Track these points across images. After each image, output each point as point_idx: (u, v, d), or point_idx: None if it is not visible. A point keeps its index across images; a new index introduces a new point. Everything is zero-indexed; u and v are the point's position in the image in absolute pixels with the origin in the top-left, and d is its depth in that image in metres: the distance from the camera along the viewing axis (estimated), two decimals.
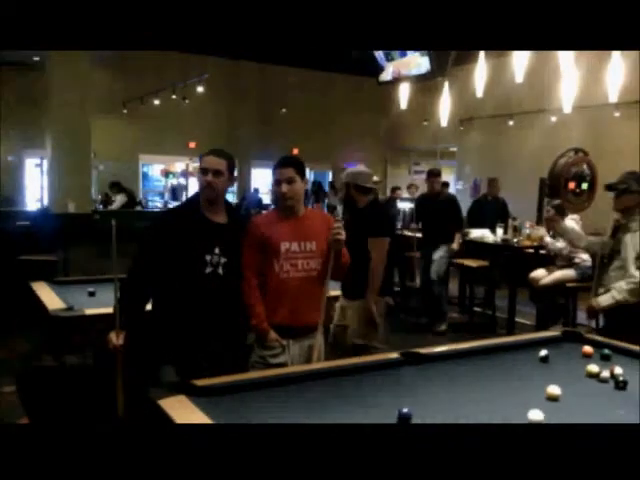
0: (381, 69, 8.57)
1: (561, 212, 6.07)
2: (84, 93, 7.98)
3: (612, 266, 3.80)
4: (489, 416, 2.00)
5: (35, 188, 12.84)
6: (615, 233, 3.86)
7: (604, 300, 3.68)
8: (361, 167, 4.09)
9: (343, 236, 2.82)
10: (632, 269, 3.63)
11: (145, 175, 14.42)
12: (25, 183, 12.85)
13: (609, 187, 3.91)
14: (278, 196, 2.85)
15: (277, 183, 2.83)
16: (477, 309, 7.52)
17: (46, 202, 9.71)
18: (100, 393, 3.36)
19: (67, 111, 7.84)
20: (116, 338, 2.69)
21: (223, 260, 2.77)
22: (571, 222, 6.06)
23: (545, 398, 2.18)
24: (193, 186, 12.99)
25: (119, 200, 10.76)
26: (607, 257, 3.85)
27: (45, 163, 9.14)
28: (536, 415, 1.92)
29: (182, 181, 14.29)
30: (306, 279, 2.82)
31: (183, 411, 1.94)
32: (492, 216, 7.55)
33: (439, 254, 6.69)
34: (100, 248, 6.62)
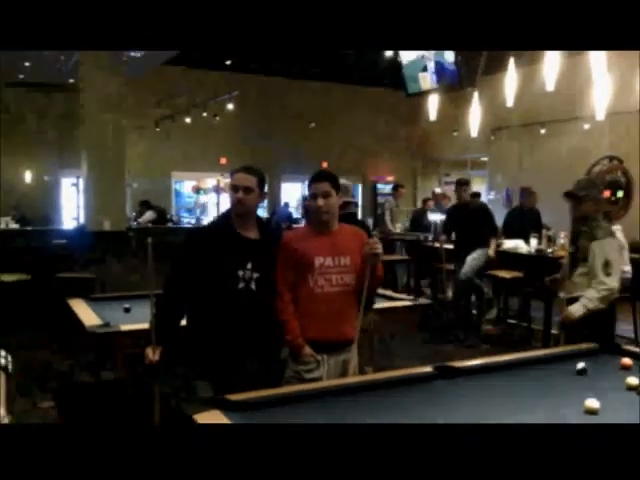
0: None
1: (608, 219, 5.95)
2: (117, 112, 8.15)
3: (576, 272, 3.80)
4: None
5: (71, 207, 13.13)
6: (575, 240, 3.86)
7: (577, 310, 3.66)
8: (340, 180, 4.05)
9: (380, 250, 2.83)
10: (601, 276, 3.63)
11: (177, 192, 14.63)
12: (61, 202, 13.14)
13: (569, 195, 3.90)
14: (314, 210, 2.84)
15: (313, 197, 2.83)
16: (512, 321, 7.40)
17: (82, 220, 9.92)
18: (136, 408, 3.40)
19: (101, 130, 8.01)
20: (152, 353, 2.73)
21: (255, 275, 2.78)
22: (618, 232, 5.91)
23: (583, 412, 2.14)
24: (225, 202, 13.12)
25: (147, 216, 11.02)
26: (570, 264, 3.85)
27: (81, 182, 9.34)
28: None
29: (208, 198, 14.45)
30: (341, 294, 2.82)
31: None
32: (528, 227, 7.47)
33: (472, 256, 6.65)
34: (135, 264, 6.75)
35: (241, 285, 2.76)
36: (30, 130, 11.87)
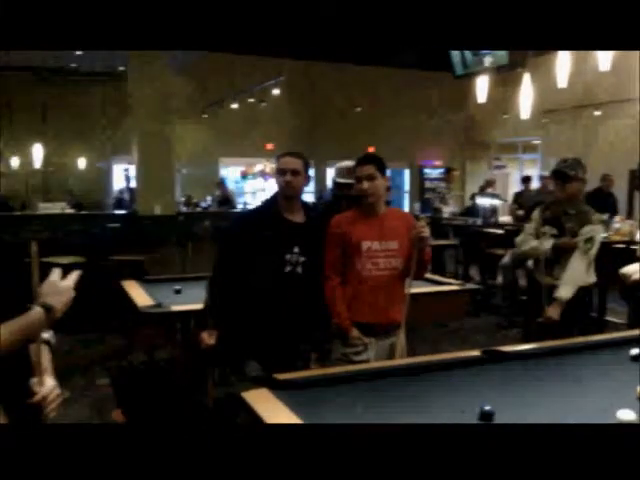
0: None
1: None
2: (166, 100, 8.29)
3: (565, 255, 3.71)
4: (576, 417, 1.94)
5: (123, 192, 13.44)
6: (557, 221, 3.75)
7: (566, 292, 3.59)
8: (345, 161, 3.75)
9: (428, 234, 2.82)
10: (582, 248, 3.68)
11: (224, 178, 14.80)
12: (114, 188, 13.48)
13: (558, 173, 3.78)
14: (359, 193, 2.85)
15: (358, 180, 2.84)
16: None
17: (134, 205, 10.15)
18: (188, 387, 3.50)
19: (150, 118, 8.17)
20: (208, 338, 2.80)
21: (302, 259, 2.82)
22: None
23: (636, 398, 2.09)
24: (271, 187, 13.21)
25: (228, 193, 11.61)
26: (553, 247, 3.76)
27: (132, 168, 9.57)
28: (627, 415, 1.85)
29: (253, 184, 14.58)
30: (388, 277, 2.83)
31: (265, 404, 2.00)
32: (611, 210, 7.34)
33: None
34: (185, 248, 6.89)
35: (288, 269, 2.80)
36: (82, 118, 12.19)
